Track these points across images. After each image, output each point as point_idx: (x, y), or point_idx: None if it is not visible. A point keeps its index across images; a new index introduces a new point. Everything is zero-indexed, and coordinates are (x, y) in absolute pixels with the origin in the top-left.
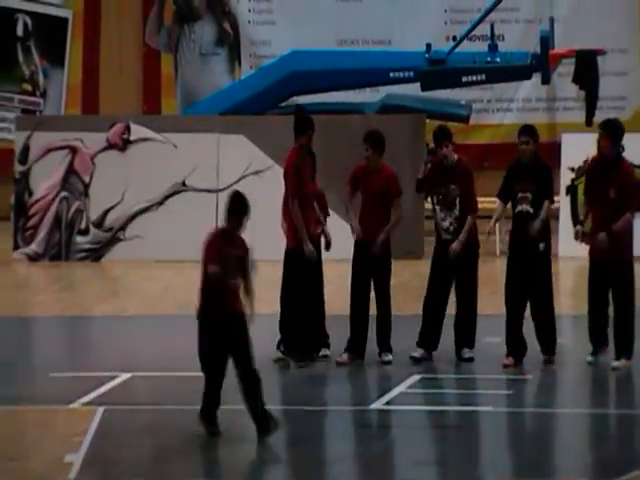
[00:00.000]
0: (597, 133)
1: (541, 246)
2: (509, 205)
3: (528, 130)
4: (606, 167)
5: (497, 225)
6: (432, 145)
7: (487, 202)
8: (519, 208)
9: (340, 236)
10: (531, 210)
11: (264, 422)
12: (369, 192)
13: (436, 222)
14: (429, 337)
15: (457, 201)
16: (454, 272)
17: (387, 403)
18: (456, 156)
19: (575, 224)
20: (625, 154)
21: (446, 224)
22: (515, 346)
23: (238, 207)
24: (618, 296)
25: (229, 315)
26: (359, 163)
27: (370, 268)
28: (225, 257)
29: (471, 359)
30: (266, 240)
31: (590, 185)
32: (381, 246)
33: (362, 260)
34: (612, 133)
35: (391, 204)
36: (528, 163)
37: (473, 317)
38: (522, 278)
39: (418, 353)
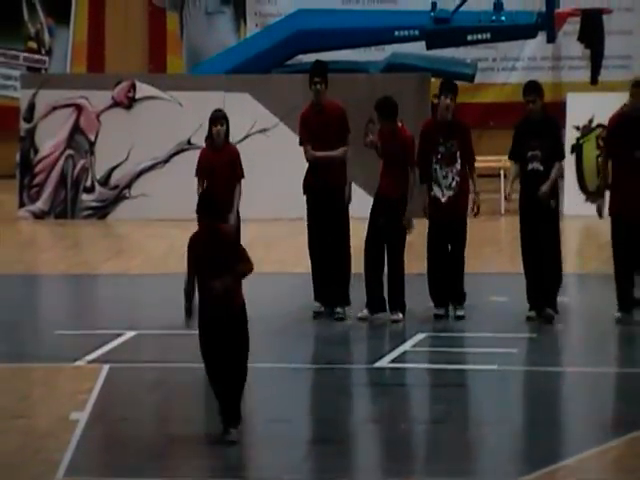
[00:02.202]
0: (602, 93)
1: (552, 203)
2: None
3: (533, 87)
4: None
5: (510, 185)
6: (436, 101)
7: (493, 161)
8: (530, 166)
9: (354, 195)
10: (541, 168)
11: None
12: (387, 155)
13: (435, 182)
14: (440, 294)
15: (457, 155)
16: (452, 230)
17: (392, 361)
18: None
19: (580, 183)
20: None
21: (448, 180)
22: (536, 300)
23: (208, 210)
24: None
25: (224, 312)
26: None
27: (385, 225)
28: (207, 262)
29: (462, 317)
30: (269, 198)
31: (614, 143)
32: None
33: (379, 215)
34: None
35: (408, 167)
36: (536, 120)
37: (462, 274)
38: (536, 236)
39: (440, 310)
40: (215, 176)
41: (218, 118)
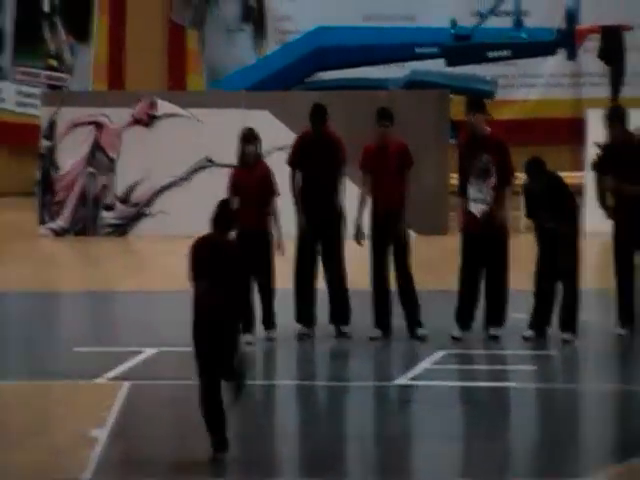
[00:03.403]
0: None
1: (564, 228)
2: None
3: (534, 165)
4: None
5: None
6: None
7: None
8: (546, 226)
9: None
10: (554, 226)
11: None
12: (384, 167)
13: (470, 197)
14: (466, 315)
15: (493, 170)
16: (486, 247)
17: (412, 379)
18: (488, 128)
19: (602, 202)
20: None
21: (483, 195)
22: (541, 320)
23: (223, 219)
24: None
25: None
26: (369, 145)
27: (391, 243)
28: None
29: (496, 337)
30: (288, 214)
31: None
32: (403, 225)
33: (382, 235)
34: None
35: (405, 176)
36: (541, 190)
37: (504, 294)
38: (552, 255)
39: (457, 333)
40: (247, 194)
41: (249, 137)
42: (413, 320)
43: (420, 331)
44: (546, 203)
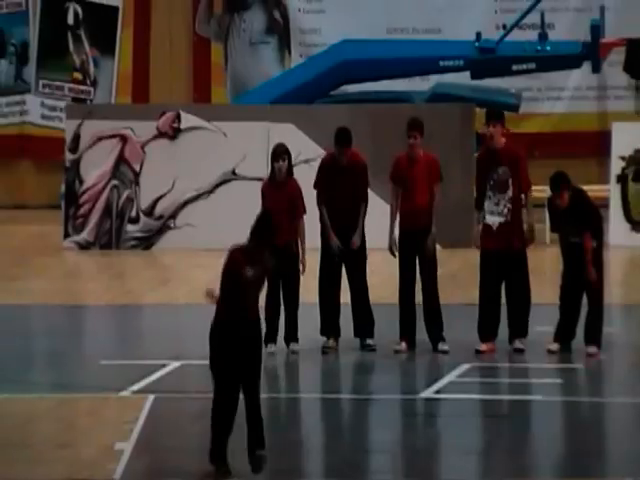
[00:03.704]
0: None
1: (594, 243)
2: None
3: (560, 180)
4: None
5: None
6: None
7: (536, 191)
8: (568, 240)
9: (386, 225)
10: (579, 240)
11: (255, 457)
12: (413, 180)
13: (486, 210)
14: (488, 330)
15: (510, 182)
16: (504, 262)
17: (437, 392)
18: (503, 140)
19: (626, 213)
20: None
21: (500, 207)
22: (566, 334)
23: (264, 231)
24: None
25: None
26: (400, 155)
27: (418, 258)
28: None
29: (522, 350)
30: (314, 227)
31: None
32: (431, 241)
33: (410, 250)
34: None
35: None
36: (566, 209)
37: (527, 307)
38: (577, 269)
39: (482, 346)
40: (275, 210)
41: (280, 153)
42: (436, 336)
43: (442, 346)
44: (570, 217)
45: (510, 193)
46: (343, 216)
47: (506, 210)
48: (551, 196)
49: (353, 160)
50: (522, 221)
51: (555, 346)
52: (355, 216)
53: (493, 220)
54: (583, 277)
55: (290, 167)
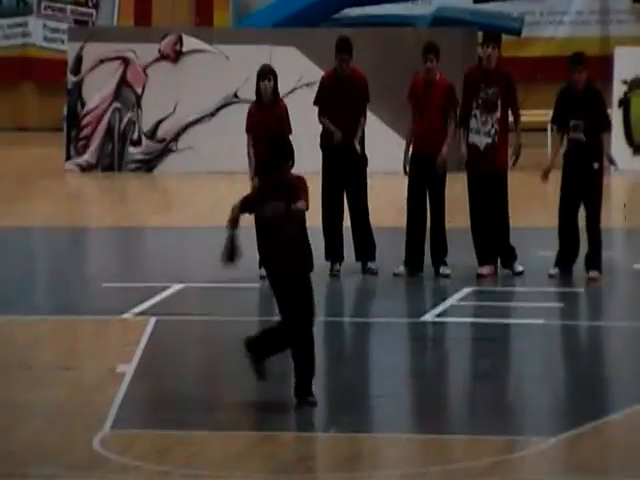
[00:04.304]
0: None
1: (595, 165)
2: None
3: (580, 59)
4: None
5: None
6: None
7: (538, 115)
8: (572, 135)
9: (391, 149)
10: (584, 138)
11: (305, 392)
12: (428, 104)
13: (473, 129)
14: (484, 251)
15: (499, 103)
16: (491, 183)
17: (438, 315)
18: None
19: (628, 137)
20: None
21: (487, 127)
22: (565, 255)
23: (283, 154)
24: None
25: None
26: (417, 77)
27: (427, 182)
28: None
29: (521, 272)
30: (315, 151)
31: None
32: (443, 162)
33: (420, 173)
34: None
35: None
36: (580, 90)
37: (508, 230)
38: (575, 194)
39: (482, 270)
40: (264, 132)
41: (265, 73)
42: (438, 260)
43: (443, 270)
44: (581, 106)
45: (498, 114)
46: (343, 130)
47: (493, 131)
48: (564, 85)
49: (353, 75)
50: (507, 144)
51: (555, 270)
52: (355, 131)
53: (480, 140)
54: (580, 196)
55: (276, 88)
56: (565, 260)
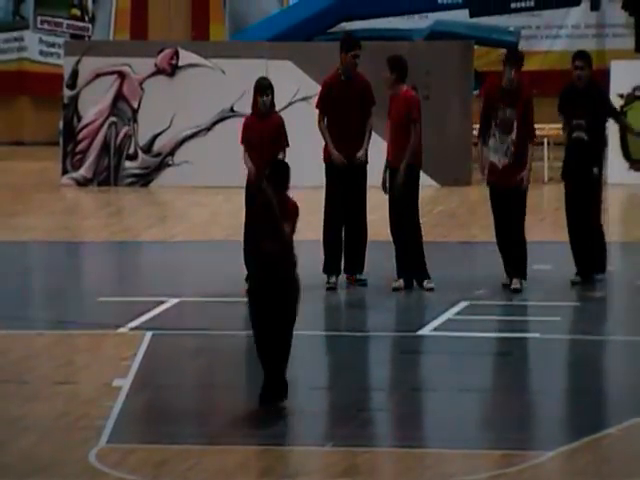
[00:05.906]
0: None
1: (595, 170)
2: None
3: (584, 55)
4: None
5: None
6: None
7: (537, 129)
8: (574, 135)
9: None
10: (586, 137)
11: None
12: (392, 118)
13: (491, 147)
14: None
15: (514, 125)
16: (507, 198)
17: (435, 329)
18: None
19: (624, 151)
20: None
21: (504, 147)
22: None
23: (280, 179)
24: None
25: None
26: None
27: (395, 195)
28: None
29: (518, 290)
30: (312, 165)
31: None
32: (403, 175)
33: (391, 187)
34: None
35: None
36: (583, 89)
37: (523, 246)
38: (580, 203)
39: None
40: (260, 145)
41: (265, 88)
42: (419, 273)
43: (427, 284)
44: (581, 105)
45: (514, 136)
46: (349, 135)
47: (510, 151)
48: (568, 85)
49: (358, 77)
50: (525, 163)
51: (577, 278)
52: (361, 134)
53: (498, 159)
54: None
55: (272, 101)
56: (584, 267)
